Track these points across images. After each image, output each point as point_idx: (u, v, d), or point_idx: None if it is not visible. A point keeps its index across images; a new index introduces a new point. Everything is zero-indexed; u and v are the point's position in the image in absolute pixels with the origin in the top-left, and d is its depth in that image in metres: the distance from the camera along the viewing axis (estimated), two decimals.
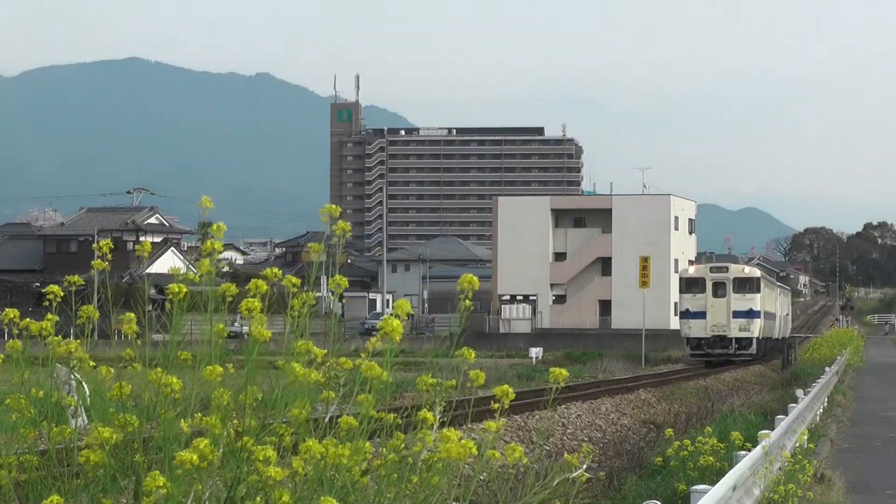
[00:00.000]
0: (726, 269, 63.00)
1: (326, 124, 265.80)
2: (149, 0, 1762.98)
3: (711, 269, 63.29)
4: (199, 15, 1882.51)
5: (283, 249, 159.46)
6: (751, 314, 61.65)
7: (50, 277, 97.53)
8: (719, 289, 61.90)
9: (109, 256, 5.98)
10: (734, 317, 61.39)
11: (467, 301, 5.73)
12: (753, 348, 61.76)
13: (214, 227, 5.94)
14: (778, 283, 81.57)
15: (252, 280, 5.68)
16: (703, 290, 61.88)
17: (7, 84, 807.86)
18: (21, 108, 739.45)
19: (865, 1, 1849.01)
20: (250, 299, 5.61)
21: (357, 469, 5.32)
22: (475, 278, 5.72)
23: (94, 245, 6.13)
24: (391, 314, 5.71)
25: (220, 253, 6.01)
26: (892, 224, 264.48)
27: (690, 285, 62.55)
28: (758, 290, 62.20)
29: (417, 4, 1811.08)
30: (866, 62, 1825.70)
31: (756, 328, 61.81)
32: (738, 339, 61.57)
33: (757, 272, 64.43)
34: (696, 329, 61.47)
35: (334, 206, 5.91)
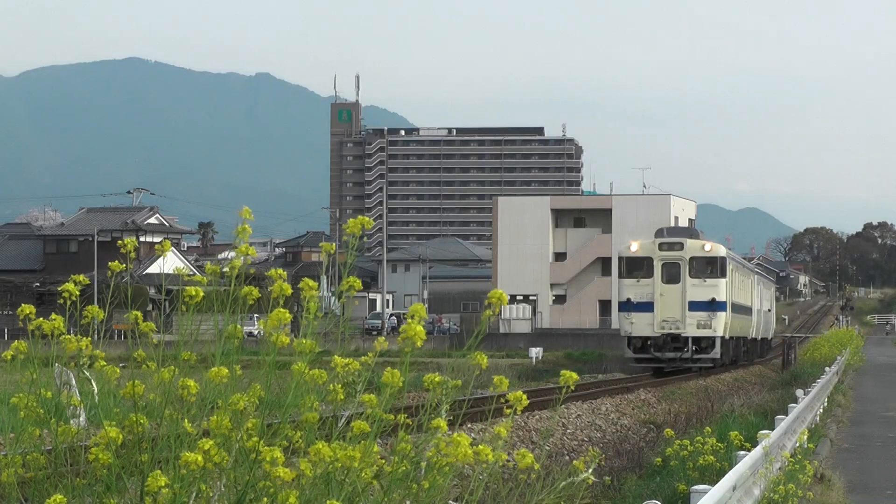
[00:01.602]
0: (681, 246, 48.95)
1: (326, 124, 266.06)
2: (149, 0, 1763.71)
3: (661, 246, 49.08)
4: (199, 15, 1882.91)
5: (283, 249, 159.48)
6: (713, 306, 48.35)
7: (50, 277, 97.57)
8: (671, 272, 48.62)
9: (133, 255, 6.00)
10: (691, 309, 48.22)
11: (489, 311, 5.78)
12: (717, 351, 48.73)
13: (239, 228, 5.95)
14: (756, 270, 67.34)
15: (277, 283, 5.70)
16: (649, 274, 48.60)
17: (7, 84, 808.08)
18: (21, 108, 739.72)
19: (866, 1, 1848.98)
20: (282, 310, 5.64)
21: (368, 472, 5.34)
22: (504, 295, 5.75)
23: (119, 242, 6.12)
24: (407, 316, 5.73)
25: (251, 256, 6.02)
26: (892, 224, 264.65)
27: (633, 267, 49.15)
28: (723, 275, 49.02)
29: (417, 4, 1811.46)
30: (867, 62, 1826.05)
31: (720, 325, 48.63)
32: (695, 340, 48.44)
33: (722, 250, 50.38)
34: (641, 325, 48.37)
35: (366, 219, 5.94)
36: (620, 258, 50.76)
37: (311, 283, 5.70)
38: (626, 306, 49.05)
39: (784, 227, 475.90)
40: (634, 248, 49.44)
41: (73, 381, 5.93)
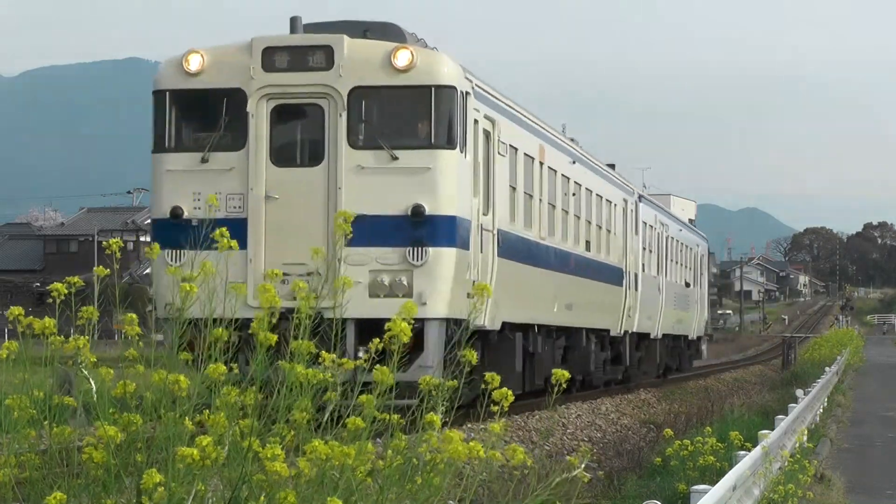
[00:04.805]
0: (323, 60, 18.54)
1: None
2: (149, 0, 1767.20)
3: (268, 61, 18.68)
4: (198, 15, 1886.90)
5: None
6: (419, 229, 17.82)
7: (50, 277, 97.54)
8: (301, 135, 19.05)
9: (118, 255, 5.99)
10: (356, 242, 13.32)
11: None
12: (429, 355, 17.29)
13: (217, 232, 5.97)
14: (666, 210, 41.28)
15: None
16: (236, 142, 18.57)
17: (7, 84, 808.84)
18: (21, 108, 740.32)
19: (866, 2, 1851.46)
20: (191, 284, 5.65)
21: (362, 469, 5.33)
22: (489, 287, 5.75)
23: (104, 243, 6.13)
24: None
25: None
26: (892, 224, 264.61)
27: (190, 119, 20.19)
28: (450, 144, 18.90)
29: (417, 4, 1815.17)
30: (867, 62, 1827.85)
31: (438, 282, 17.81)
32: (365, 326, 16.49)
33: (451, 70, 20.46)
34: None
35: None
36: (158, 93, 20.70)
37: (303, 284, 5.69)
38: (170, 233, 17.24)
39: (784, 227, 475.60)
40: (196, 64, 19.81)
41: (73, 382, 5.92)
